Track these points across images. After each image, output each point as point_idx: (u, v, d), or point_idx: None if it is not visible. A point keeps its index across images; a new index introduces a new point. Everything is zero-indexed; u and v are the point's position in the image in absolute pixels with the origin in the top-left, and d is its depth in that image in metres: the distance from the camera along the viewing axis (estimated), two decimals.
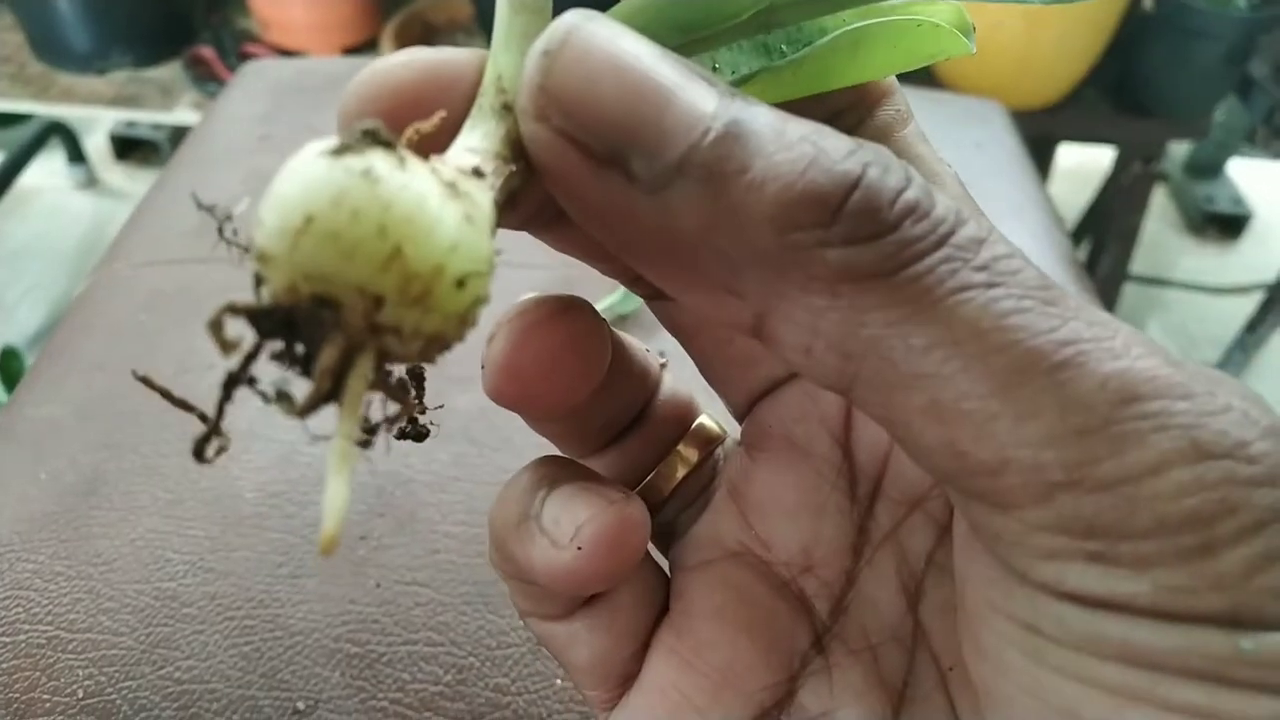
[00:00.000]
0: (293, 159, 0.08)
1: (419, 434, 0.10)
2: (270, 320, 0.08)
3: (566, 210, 0.10)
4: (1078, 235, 1.02)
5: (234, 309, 0.08)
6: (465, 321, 0.09)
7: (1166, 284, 1.07)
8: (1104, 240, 0.91)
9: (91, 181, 1.15)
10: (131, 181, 1.15)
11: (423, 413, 0.10)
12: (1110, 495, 0.08)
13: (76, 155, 1.13)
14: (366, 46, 0.88)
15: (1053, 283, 0.09)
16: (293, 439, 0.30)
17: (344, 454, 0.08)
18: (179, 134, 1.22)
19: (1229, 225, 1.17)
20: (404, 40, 0.84)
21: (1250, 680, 0.09)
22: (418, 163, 0.08)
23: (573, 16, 0.09)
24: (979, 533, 0.10)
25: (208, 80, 0.88)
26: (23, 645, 0.25)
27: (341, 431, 0.08)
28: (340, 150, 0.08)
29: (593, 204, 0.09)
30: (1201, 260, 1.13)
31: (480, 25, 0.84)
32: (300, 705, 0.24)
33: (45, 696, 0.24)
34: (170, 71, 0.90)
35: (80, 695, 0.24)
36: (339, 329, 0.08)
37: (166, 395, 0.10)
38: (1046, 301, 0.09)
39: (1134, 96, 0.85)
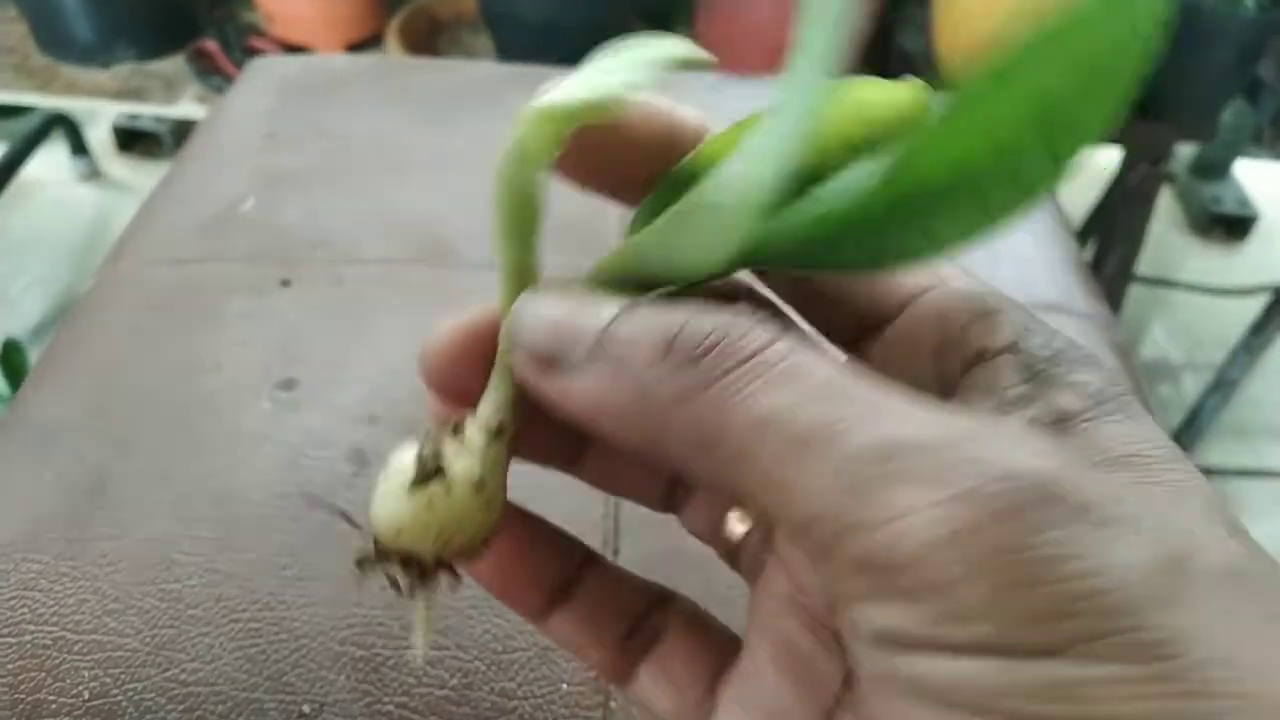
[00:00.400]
0: (386, 480, 0.14)
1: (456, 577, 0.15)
2: (379, 556, 0.15)
3: (547, 410, 0.14)
4: (1084, 235, 1.02)
5: (364, 556, 0.15)
6: (485, 540, 0.15)
7: (1172, 285, 1.06)
8: (1110, 240, 0.91)
9: (94, 174, 1.15)
10: (134, 174, 1.15)
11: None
12: (876, 534, 0.10)
13: (79, 147, 1.13)
14: (372, 41, 0.88)
15: (847, 384, 0.11)
16: (299, 441, 0.31)
17: (427, 623, 0.15)
18: (182, 126, 1.22)
19: (1235, 226, 1.17)
20: (409, 35, 0.84)
21: (1030, 714, 0.09)
22: (459, 477, 0.14)
23: (519, 302, 0.14)
24: (826, 595, 0.12)
25: (212, 74, 0.88)
26: (28, 646, 0.25)
27: (422, 616, 0.15)
28: (415, 484, 0.14)
29: (550, 393, 0.14)
30: (1208, 261, 1.13)
31: (484, 20, 0.83)
32: (306, 708, 0.24)
33: (51, 698, 0.25)
34: (174, 65, 0.89)
35: (86, 696, 0.25)
36: (417, 565, 0.14)
37: (345, 517, 0.16)
38: (825, 394, 0.11)
39: (1141, 98, 0.85)
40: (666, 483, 0.18)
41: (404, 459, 0.14)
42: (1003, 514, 0.10)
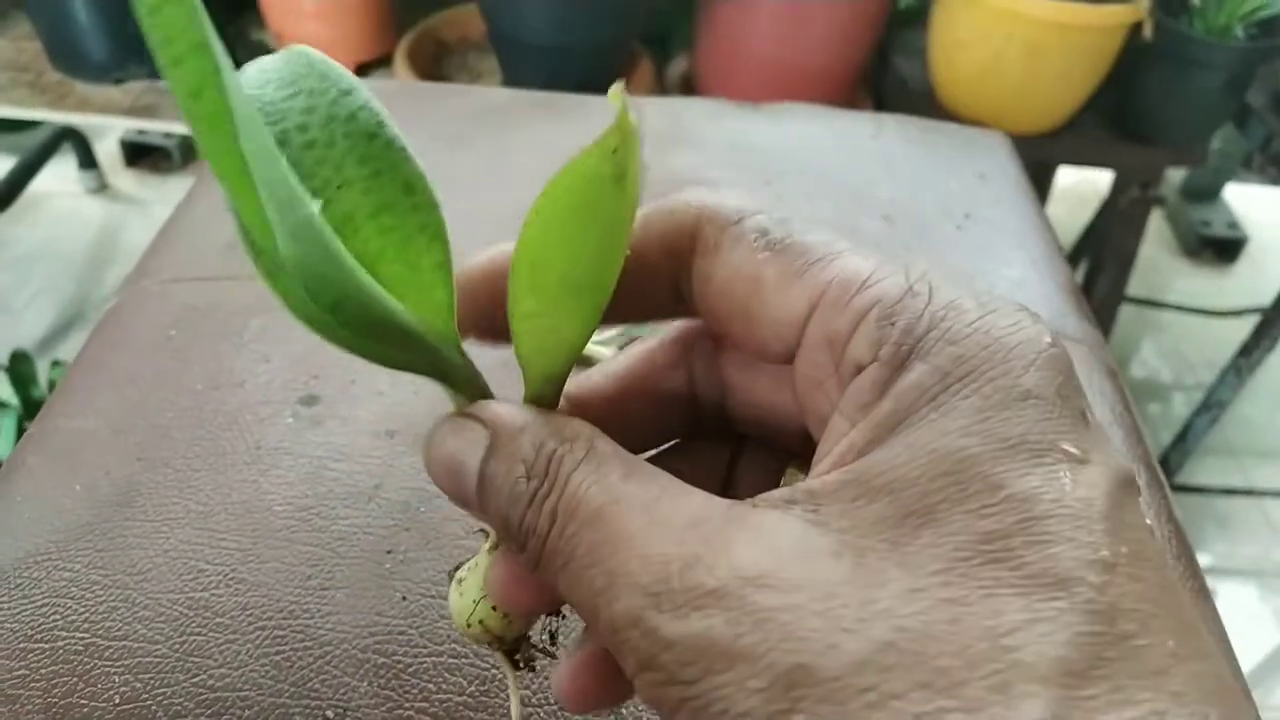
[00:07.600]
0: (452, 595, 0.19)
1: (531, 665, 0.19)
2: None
3: None
4: (1075, 256, 1.03)
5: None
6: (511, 629, 0.18)
7: (1163, 306, 1.08)
8: (1101, 262, 0.93)
9: (102, 187, 1.16)
10: (141, 187, 1.16)
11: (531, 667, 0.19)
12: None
13: (87, 161, 1.14)
14: (381, 62, 0.90)
15: (601, 556, 0.14)
16: (321, 455, 0.32)
17: (516, 691, 0.19)
18: (189, 141, 1.23)
19: (1225, 249, 1.19)
20: (417, 57, 0.85)
21: None
22: (466, 580, 0.18)
23: (428, 442, 0.17)
24: None
25: None
26: (61, 651, 0.26)
27: (513, 688, 0.19)
28: (452, 581, 0.19)
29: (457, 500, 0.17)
30: (1197, 283, 1.15)
31: (491, 42, 0.85)
32: (329, 714, 0.25)
33: (83, 702, 0.25)
34: None
35: (117, 701, 0.25)
36: (497, 646, 0.19)
37: None
38: (588, 563, 0.14)
39: (1132, 123, 0.87)
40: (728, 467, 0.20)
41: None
42: (659, 680, 0.13)
